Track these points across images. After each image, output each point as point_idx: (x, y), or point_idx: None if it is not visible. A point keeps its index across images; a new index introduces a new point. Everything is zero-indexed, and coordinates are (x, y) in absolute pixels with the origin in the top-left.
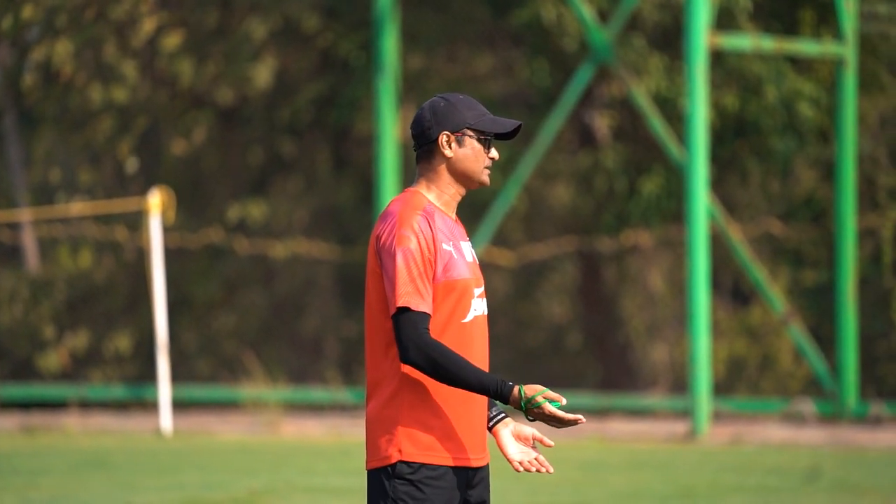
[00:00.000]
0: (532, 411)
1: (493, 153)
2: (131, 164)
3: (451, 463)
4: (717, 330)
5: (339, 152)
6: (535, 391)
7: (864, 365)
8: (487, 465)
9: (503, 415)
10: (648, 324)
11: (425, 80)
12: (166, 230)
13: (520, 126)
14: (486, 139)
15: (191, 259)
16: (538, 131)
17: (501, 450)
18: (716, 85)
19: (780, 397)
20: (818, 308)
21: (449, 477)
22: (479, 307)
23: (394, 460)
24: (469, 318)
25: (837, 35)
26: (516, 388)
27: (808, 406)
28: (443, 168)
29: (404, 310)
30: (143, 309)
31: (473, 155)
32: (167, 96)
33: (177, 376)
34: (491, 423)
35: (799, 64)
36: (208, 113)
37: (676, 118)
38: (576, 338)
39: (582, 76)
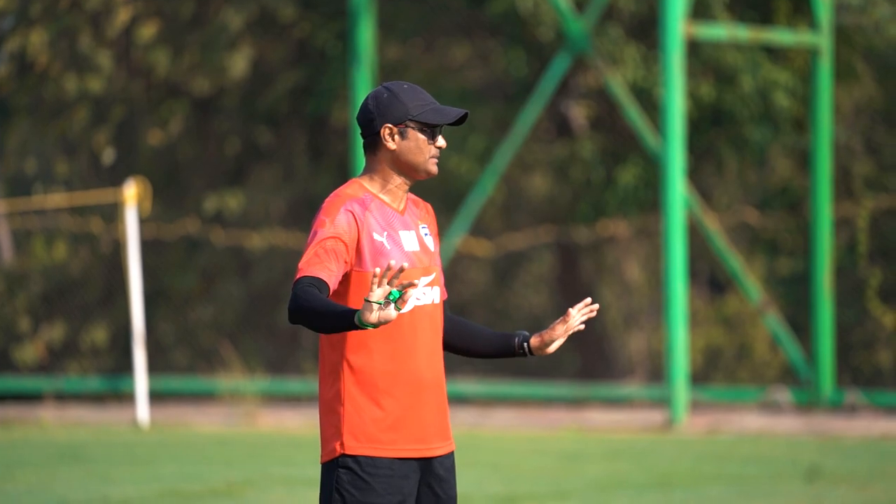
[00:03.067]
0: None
1: (440, 142)
2: (107, 155)
3: (396, 454)
4: (693, 319)
5: (316, 142)
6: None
7: (839, 353)
8: (451, 454)
9: (524, 333)
10: (625, 313)
11: (402, 70)
12: (142, 221)
13: (465, 115)
14: (431, 129)
15: (167, 250)
16: (515, 121)
17: (551, 346)
18: (692, 75)
19: (757, 386)
20: (794, 297)
21: (396, 468)
22: (423, 296)
23: (338, 453)
24: (408, 308)
25: (812, 25)
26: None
27: (784, 395)
28: (387, 160)
29: (300, 278)
30: (120, 301)
31: (417, 147)
32: (143, 87)
33: (153, 368)
34: (522, 348)
35: (774, 53)
36: (184, 103)
37: (653, 108)
38: None
39: (558, 66)
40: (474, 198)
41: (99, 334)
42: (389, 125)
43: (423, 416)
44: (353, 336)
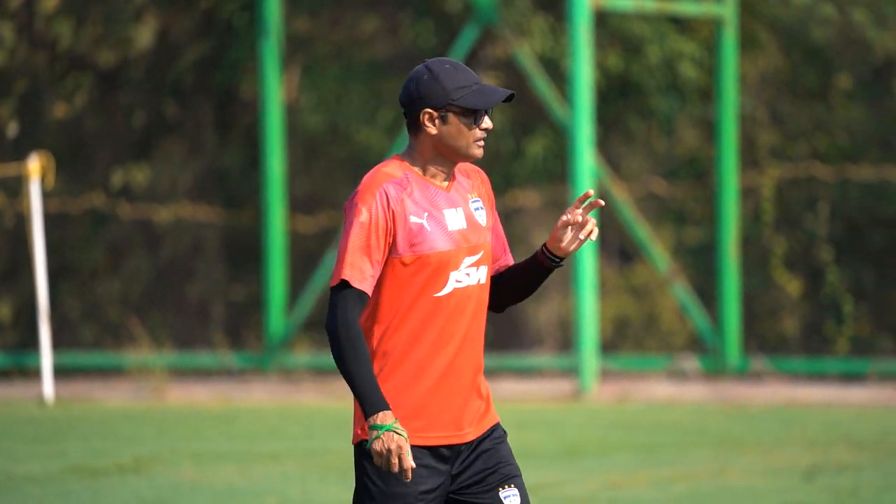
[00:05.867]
0: (388, 435)
1: (486, 123)
2: (11, 129)
3: (418, 442)
4: (603, 289)
5: (223, 115)
6: (401, 433)
7: (745, 321)
8: (480, 439)
9: (543, 244)
10: None
11: (310, 42)
12: (47, 195)
13: (511, 95)
14: (474, 112)
15: (73, 225)
16: None
17: (567, 244)
18: (599, 46)
19: (665, 354)
20: (701, 266)
21: (419, 455)
22: (464, 278)
23: (359, 439)
24: (445, 291)
25: None
26: (388, 414)
27: (691, 363)
28: (428, 142)
29: (345, 284)
30: (24, 276)
31: (458, 132)
32: (46, 59)
33: (59, 343)
34: (546, 256)
35: (681, 24)
36: (89, 75)
37: (561, 79)
38: None
39: (466, 37)
40: None
41: (3, 310)
42: (429, 110)
43: (453, 401)
44: (384, 319)
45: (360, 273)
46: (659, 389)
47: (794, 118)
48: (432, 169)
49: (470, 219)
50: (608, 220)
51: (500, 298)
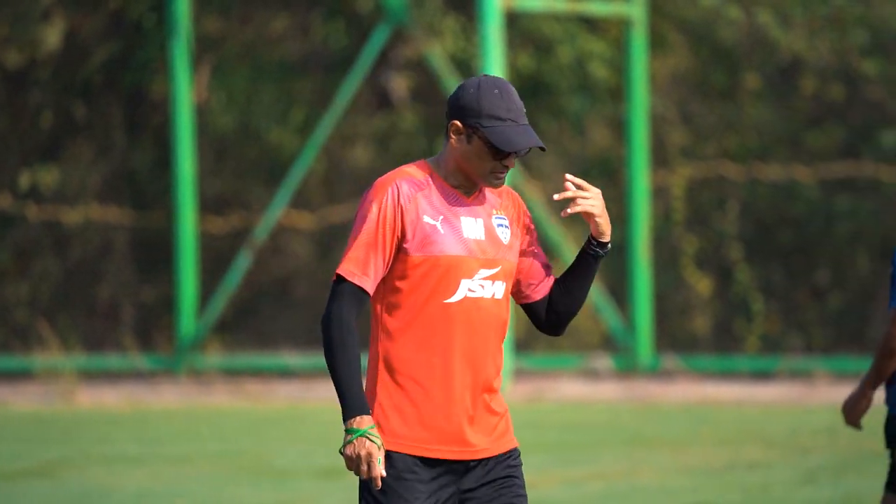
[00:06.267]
0: (361, 440)
1: (510, 162)
2: None
3: (419, 453)
4: None
5: (133, 116)
6: (375, 440)
7: (657, 320)
8: (496, 461)
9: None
10: None
11: (220, 42)
12: None
13: (542, 148)
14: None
15: None
16: (336, 93)
17: (599, 221)
18: (510, 46)
19: (578, 353)
20: (613, 265)
21: (419, 468)
22: (478, 289)
23: None
24: (456, 298)
25: None
26: (364, 419)
27: (604, 361)
28: (452, 153)
29: (342, 279)
30: None
31: (478, 157)
32: None
33: None
34: (592, 246)
35: (592, 24)
36: None
37: None
38: None
39: (378, 38)
40: (296, 171)
41: None
42: (458, 123)
43: (461, 416)
44: (392, 322)
45: (362, 269)
46: (572, 388)
47: (704, 118)
48: (455, 179)
49: (490, 232)
50: None
51: (557, 308)
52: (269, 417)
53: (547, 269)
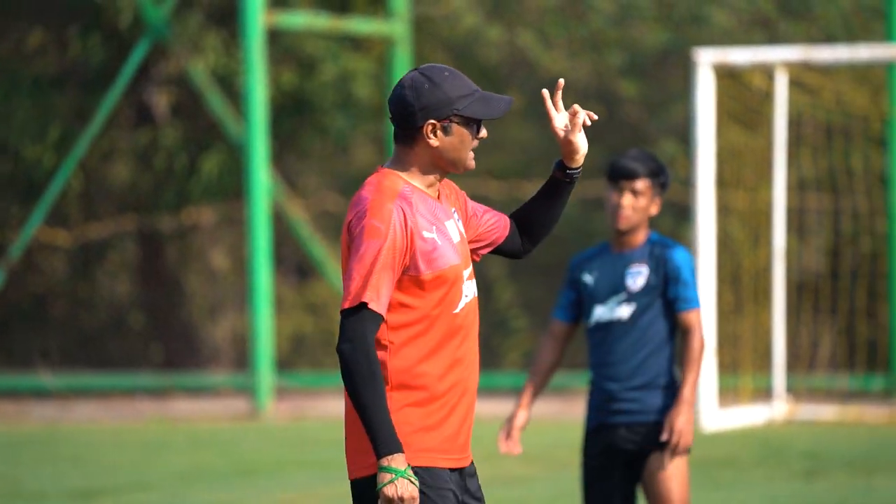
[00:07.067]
0: (403, 482)
1: (483, 133)
2: None
3: (448, 465)
4: (281, 306)
5: None
6: (415, 481)
7: None
8: (470, 467)
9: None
10: (212, 301)
11: None
12: None
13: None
14: (476, 121)
15: None
16: (94, 109)
17: (577, 148)
18: (273, 62)
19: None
20: None
21: (445, 480)
22: (469, 291)
23: (368, 472)
24: (459, 307)
25: (388, 14)
26: (400, 458)
27: None
28: (425, 155)
29: (363, 305)
30: None
31: (460, 142)
32: None
33: None
34: (562, 170)
35: (357, 43)
36: None
37: (235, 95)
38: (137, 317)
39: (138, 53)
40: (53, 187)
41: None
42: (433, 121)
43: (468, 422)
44: (404, 341)
45: (379, 295)
46: (335, 406)
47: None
48: (426, 181)
49: (460, 231)
50: (284, 237)
51: (531, 230)
52: (23, 439)
53: (492, 210)
